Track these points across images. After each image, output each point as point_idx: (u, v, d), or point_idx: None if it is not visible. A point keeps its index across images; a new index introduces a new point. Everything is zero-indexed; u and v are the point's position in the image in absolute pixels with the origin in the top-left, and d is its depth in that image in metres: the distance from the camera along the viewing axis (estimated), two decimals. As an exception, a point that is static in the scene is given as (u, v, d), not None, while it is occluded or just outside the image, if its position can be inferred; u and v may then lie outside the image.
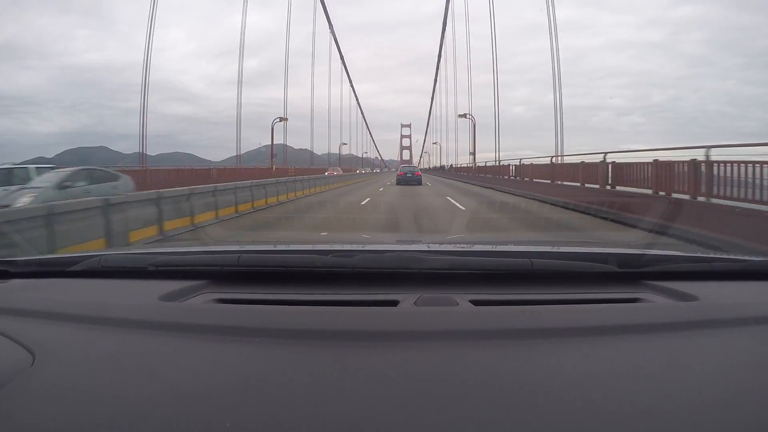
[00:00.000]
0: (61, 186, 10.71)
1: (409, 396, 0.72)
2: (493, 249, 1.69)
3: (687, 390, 0.76)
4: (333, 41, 65.54)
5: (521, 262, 1.32)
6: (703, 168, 8.05)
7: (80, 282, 1.36)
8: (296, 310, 1.08)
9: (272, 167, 39.50)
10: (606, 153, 12.59)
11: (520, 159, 22.56)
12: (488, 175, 30.42)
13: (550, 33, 29.52)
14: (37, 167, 13.71)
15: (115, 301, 1.15)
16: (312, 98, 56.67)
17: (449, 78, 68.43)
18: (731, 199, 7.27)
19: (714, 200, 7.65)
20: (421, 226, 9.21)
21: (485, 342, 0.90)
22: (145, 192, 9.18)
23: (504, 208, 13.50)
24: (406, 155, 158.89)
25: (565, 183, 15.45)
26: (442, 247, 1.79)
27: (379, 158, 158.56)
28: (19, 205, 8.84)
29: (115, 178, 12.61)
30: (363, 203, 15.26)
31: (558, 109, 30.28)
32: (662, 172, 9.57)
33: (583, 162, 14.28)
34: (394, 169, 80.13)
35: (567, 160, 17.77)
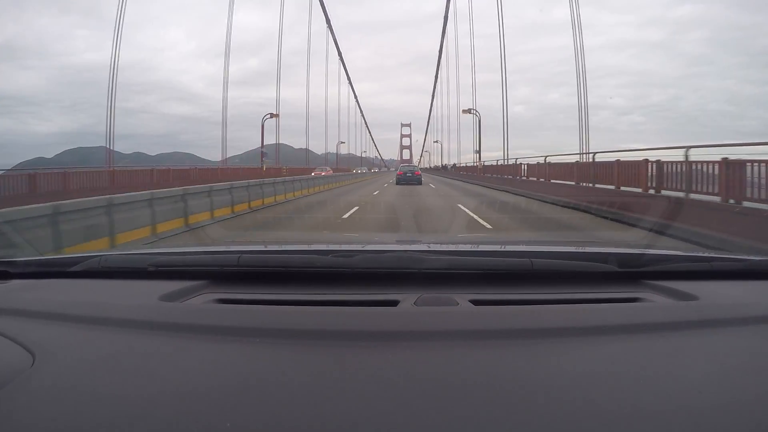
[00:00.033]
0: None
1: (409, 396, 0.72)
2: (493, 249, 1.69)
3: (687, 390, 0.76)
4: (332, 39, 65.06)
5: (521, 262, 1.32)
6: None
7: (80, 282, 1.36)
8: (296, 310, 1.08)
9: (263, 167, 36.60)
10: (648, 149, 10.70)
11: (545, 157, 18.13)
12: (495, 175, 27.98)
13: (574, 29, 27.22)
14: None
15: (115, 302, 1.15)
16: (306, 95, 55.29)
17: (451, 74, 66.68)
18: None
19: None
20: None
21: (485, 342, 0.90)
22: (93, 198, 7.30)
23: (546, 223, 9.98)
24: (406, 155, 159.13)
25: (597, 186, 13.07)
26: (442, 247, 1.79)
27: (379, 158, 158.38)
28: None
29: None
30: (346, 216, 11.07)
31: (583, 108, 27.66)
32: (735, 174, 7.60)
33: (619, 160, 11.98)
34: (393, 169, 79.50)
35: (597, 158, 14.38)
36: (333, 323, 0.98)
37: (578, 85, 27.63)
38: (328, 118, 68.89)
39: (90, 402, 0.73)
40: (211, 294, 1.20)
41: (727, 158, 7.72)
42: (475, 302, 1.11)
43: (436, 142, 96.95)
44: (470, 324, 0.99)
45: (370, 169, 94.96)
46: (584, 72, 27.41)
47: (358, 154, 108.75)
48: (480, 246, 1.90)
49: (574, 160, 16.20)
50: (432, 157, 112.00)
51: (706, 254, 1.57)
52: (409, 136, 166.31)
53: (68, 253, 2.08)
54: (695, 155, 8.84)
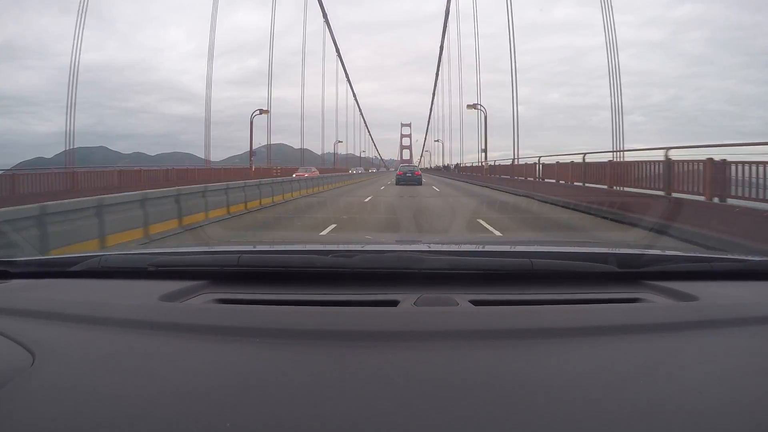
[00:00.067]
0: None
1: (409, 396, 0.72)
2: (493, 249, 1.69)
3: (687, 390, 0.76)
4: (330, 37, 64.60)
5: (521, 262, 1.32)
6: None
7: (80, 282, 1.36)
8: (296, 310, 1.08)
9: (251, 168, 34.12)
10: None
11: (585, 155, 14.41)
12: (503, 176, 25.48)
13: (605, 27, 25.00)
14: None
15: (115, 301, 1.15)
16: (302, 93, 54.25)
17: (453, 71, 64.46)
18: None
19: None
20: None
21: (485, 342, 0.90)
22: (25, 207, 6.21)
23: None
24: (406, 155, 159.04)
25: (625, 189, 11.17)
26: (442, 247, 1.79)
27: (379, 158, 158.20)
28: None
29: None
30: (324, 233, 8.50)
31: (616, 108, 25.11)
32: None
33: (668, 158, 9.39)
34: (393, 169, 78.94)
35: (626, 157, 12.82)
36: (333, 323, 0.98)
37: (611, 85, 25.24)
38: (327, 117, 68.41)
39: (90, 402, 0.72)
40: (211, 294, 1.20)
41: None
42: (475, 302, 1.11)
43: (437, 140, 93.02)
44: (470, 324, 0.99)
45: (367, 169, 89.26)
46: (618, 70, 25.13)
47: (358, 154, 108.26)
48: (480, 246, 1.90)
49: (604, 160, 13.66)
50: (433, 157, 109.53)
51: (705, 255, 1.57)
52: (409, 136, 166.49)
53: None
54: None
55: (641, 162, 11.01)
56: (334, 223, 9.58)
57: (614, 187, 11.83)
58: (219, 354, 0.87)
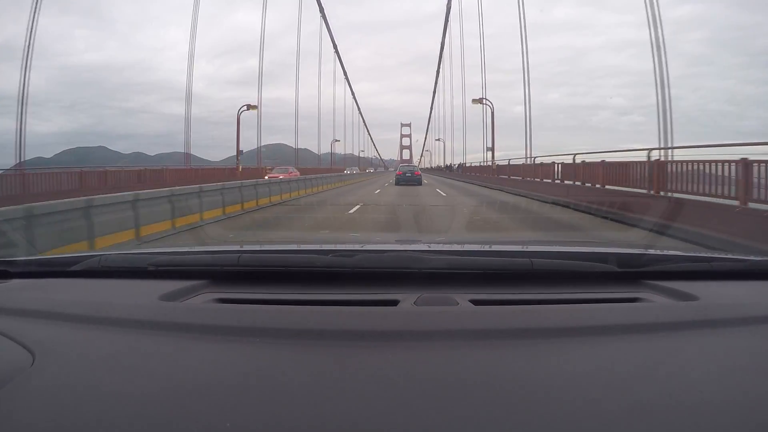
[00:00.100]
0: None
1: (409, 396, 0.72)
2: (493, 249, 1.69)
3: (687, 390, 0.76)
4: (328, 36, 64.25)
5: (521, 262, 1.32)
6: None
7: (80, 282, 1.36)
8: (296, 310, 1.08)
9: (238, 168, 30.23)
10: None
11: (628, 150, 12.02)
12: (512, 177, 22.69)
13: (654, 26, 21.64)
14: None
15: (115, 301, 1.15)
16: (296, 92, 53.18)
17: (454, 66, 61.86)
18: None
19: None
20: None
21: (485, 342, 0.90)
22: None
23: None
24: (405, 155, 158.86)
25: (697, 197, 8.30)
26: (442, 247, 1.79)
27: (378, 158, 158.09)
28: None
29: None
30: None
31: (661, 107, 21.32)
32: None
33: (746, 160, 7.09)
34: (392, 169, 78.58)
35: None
36: (333, 323, 0.98)
37: (655, 69, 21.47)
38: (326, 117, 68.00)
39: (90, 401, 0.72)
40: (211, 294, 1.20)
41: None
42: (475, 302, 1.11)
43: (439, 139, 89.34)
44: (470, 324, 0.99)
45: (364, 169, 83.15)
46: (667, 64, 21.39)
47: (357, 154, 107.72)
48: (480, 246, 1.90)
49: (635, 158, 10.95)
50: (433, 156, 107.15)
51: (706, 254, 1.57)
52: (409, 136, 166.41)
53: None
54: None
55: (706, 162, 8.32)
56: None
57: (662, 193, 9.16)
58: (219, 354, 0.87)
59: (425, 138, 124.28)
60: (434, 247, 1.73)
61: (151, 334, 0.96)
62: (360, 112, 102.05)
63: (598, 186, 12.49)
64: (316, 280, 1.28)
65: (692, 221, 7.40)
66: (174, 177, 22.89)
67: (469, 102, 38.12)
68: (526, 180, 20.36)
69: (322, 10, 59.11)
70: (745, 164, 7.09)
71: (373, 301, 1.15)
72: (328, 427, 0.66)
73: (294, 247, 1.80)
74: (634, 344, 0.91)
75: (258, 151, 43.18)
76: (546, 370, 0.81)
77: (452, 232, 8.35)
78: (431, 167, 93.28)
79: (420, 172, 32.11)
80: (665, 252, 1.60)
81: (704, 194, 8.12)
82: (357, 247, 1.55)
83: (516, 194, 18.48)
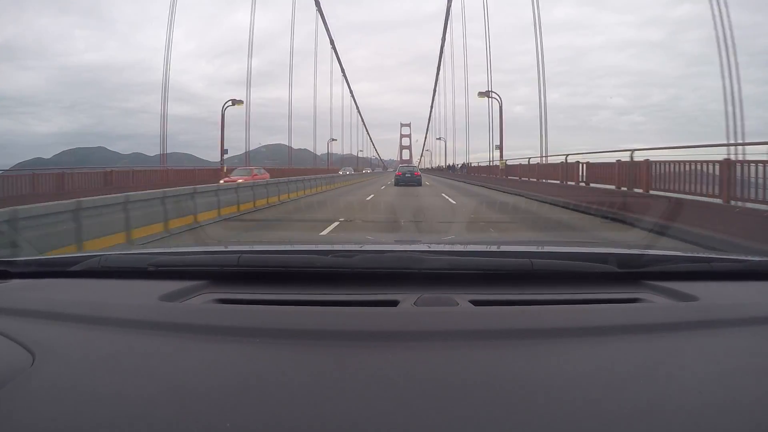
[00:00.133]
0: None
1: (409, 396, 0.72)
2: (493, 249, 1.69)
3: (687, 390, 0.76)
4: (327, 37, 64.20)
5: (521, 262, 1.32)
6: None
7: (80, 282, 1.36)
8: (296, 310, 1.08)
9: (223, 168, 28.09)
10: None
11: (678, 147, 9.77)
12: (524, 179, 20.51)
13: (714, 18, 21.34)
14: None
15: (115, 301, 1.15)
16: (289, 92, 52.20)
17: (455, 65, 61.90)
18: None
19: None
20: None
21: (485, 342, 0.90)
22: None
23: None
24: (405, 155, 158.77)
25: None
26: (442, 247, 1.79)
27: (378, 158, 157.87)
28: None
29: None
30: None
31: (731, 91, 20.54)
32: None
33: None
34: (391, 169, 78.07)
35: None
36: (333, 323, 0.98)
37: (721, 61, 20.77)
38: (325, 117, 67.65)
39: (90, 402, 0.72)
40: (211, 294, 1.20)
41: None
42: (475, 302, 1.11)
43: (439, 139, 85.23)
44: (470, 324, 0.99)
45: (360, 170, 75.97)
46: (735, 55, 20.93)
47: (356, 154, 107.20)
48: (480, 246, 1.90)
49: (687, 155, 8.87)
50: (434, 156, 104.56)
51: (705, 255, 1.57)
52: (409, 136, 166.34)
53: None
54: None
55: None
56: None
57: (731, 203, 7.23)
58: (219, 354, 0.87)
59: (425, 138, 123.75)
60: (434, 247, 1.73)
61: (151, 334, 0.96)
62: (359, 112, 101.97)
63: (624, 188, 10.12)
64: (316, 280, 1.28)
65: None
66: (146, 179, 21.06)
67: (472, 98, 35.97)
68: (540, 182, 17.78)
69: (319, 8, 58.99)
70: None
71: (372, 302, 1.15)
72: (328, 427, 0.66)
73: (294, 247, 1.80)
74: (634, 345, 0.91)
75: (246, 151, 41.84)
76: (546, 370, 0.81)
77: (452, 232, 8.35)
78: (431, 167, 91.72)
79: (420, 173, 32.01)
80: (665, 252, 1.60)
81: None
82: (357, 247, 1.55)
83: (553, 203, 13.76)
